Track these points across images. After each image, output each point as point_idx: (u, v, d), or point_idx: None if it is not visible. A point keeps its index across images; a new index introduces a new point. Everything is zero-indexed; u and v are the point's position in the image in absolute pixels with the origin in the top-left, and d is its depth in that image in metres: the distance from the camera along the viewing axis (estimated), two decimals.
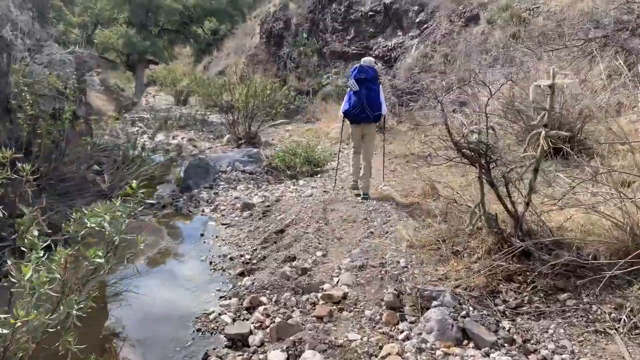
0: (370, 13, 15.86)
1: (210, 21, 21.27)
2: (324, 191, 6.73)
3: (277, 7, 19.37)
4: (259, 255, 5.16)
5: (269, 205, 6.64)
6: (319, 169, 7.86)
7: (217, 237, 5.98)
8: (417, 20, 13.91)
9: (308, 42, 17.40)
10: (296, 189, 7.02)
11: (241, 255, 5.31)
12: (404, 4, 14.66)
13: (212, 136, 13.13)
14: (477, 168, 3.95)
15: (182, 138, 12.73)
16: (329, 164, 8.50)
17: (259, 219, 6.34)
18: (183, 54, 33.50)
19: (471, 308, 3.51)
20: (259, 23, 20.85)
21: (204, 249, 5.66)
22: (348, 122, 6.36)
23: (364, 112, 5.90)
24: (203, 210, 6.94)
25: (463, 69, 10.49)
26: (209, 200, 7.25)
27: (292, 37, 18.27)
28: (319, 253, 4.82)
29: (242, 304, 4.15)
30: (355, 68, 6.00)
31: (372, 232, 5.07)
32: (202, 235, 6.09)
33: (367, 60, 6.23)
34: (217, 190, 7.62)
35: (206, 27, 28.22)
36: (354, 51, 16.24)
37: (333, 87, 15.68)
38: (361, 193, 6.22)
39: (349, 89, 6.07)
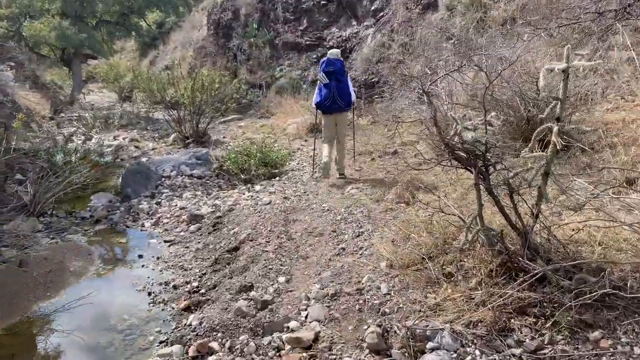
0: (322, 2, 14.98)
1: (153, 12, 19.68)
2: (285, 197, 5.83)
3: None
4: (209, 283, 4.23)
5: (220, 217, 5.68)
6: (277, 170, 6.94)
7: (158, 258, 4.98)
8: (373, 8, 13.17)
9: (259, 33, 16.34)
10: (252, 196, 6.07)
11: (187, 282, 4.36)
12: None
13: (157, 135, 11.91)
14: (473, 173, 3.18)
15: (124, 138, 11.47)
16: (288, 164, 7.59)
17: (209, 233, 5.38)
18: (127, 49, 31.50)
19: (478, 352, 2.73)
20: (207, 14, 19.54)
21: (142, 275, 4.65)
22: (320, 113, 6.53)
23: (335, 103, 6.05)
24: (143, 225, 5.90)
25: (426, 57, 9.82)
26: (150, 212, 6.20)
27: (242, 28, 17.14)
28: (281, 279, 3.93)
29: (187, 353, 3.23)
30: (324, 61, 6.09)
31: (343, 249, 4.23)
32: (140, 257, 5.06)
33: (333, 52, 6.29)
34: (159, 200, 6.56)
35: (151, 19, 26.50)
36: (307, 42, 15.34)
37: (287, 79, 14.74)
38: (338, 174, 6.43)
39: (318, 81, 6.16)
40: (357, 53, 13.47)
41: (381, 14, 12.80)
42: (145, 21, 19.02)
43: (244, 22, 17.20)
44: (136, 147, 10.44)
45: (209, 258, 4.76)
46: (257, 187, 6.32)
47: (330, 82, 6.01)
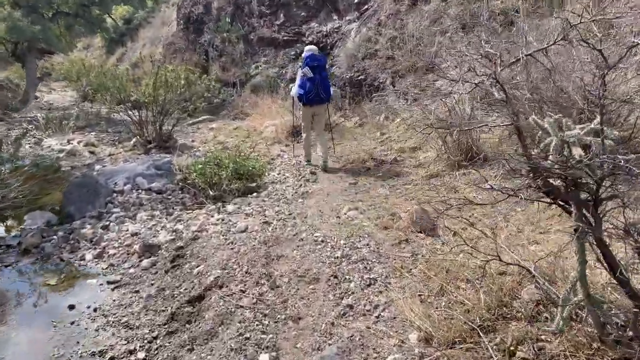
0: None
1: (119, 6, 17.95)
2: (265, 222, 4.49)
3: None
4: (161, 356, 2.91)
5: (181, 247, 4.34)
6: (254, 184, 5.60)
7: (96, 310, 3.61)
8: (356, 1, 11.94)
9: (232, 27, 14.91)
10: (223, 219, 4.71)
11: (130, 352, 3.03)
12: None
13: (117, 139, 10.39)
14: (575, 212, 1.95)
15: (79, 142, 9.92)
16: (267, 174, 6.28)
17: (166, 271, 4.02)
18: (94, 45, 29.55)
19: None
20: (176, 8, 17.99)
21: (70, 337, 3.28)
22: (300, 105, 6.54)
23: (318, 95, 6.20)
24: (83, 258, 4.49)
25: (421, 51, 8.66)
26: (94, 240, 4.79)
27: (214, 22, 15.67)
28: (264, 357, 2.65)
29: None
30: (308, 56, 6.19)
31: (350, 306, 2.96)
32: (71, 307, 3.67)
33: (313, 48, 6.45)
34: (107, 222, 5.15)
35: (118, 14, 24.75)
36: (284, 37, 14.01)
37: (263, 77, 13.38)
38: (321, 164, 6.44)
39: (302, 75, 6.19)
40: (339, 49, 12.22)
41: (365, 7, 11.58)
42: (109, 14, 17.26)
43: (217, 16, 15.74)
44: (91, 152, 8.92)
45: (163, 311, 3.43)
46: (230, 207, 4.96)
47: (315, 75, 6.14)
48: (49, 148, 9.40)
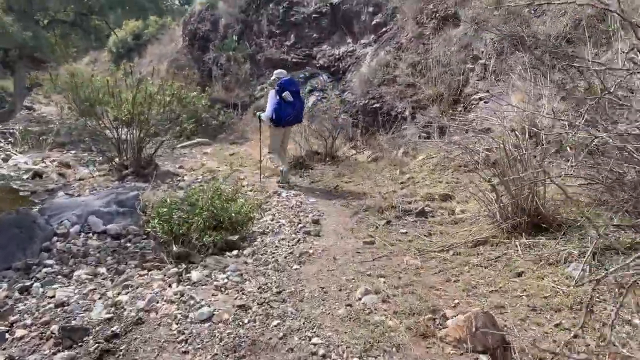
0: (314, 15, 12.51)
1: (115, 12, 16.81)
2: (240, 306, 2.98)
3: (204, 5, 15.55)
4: None
5: (116, 335, 2.86)
6: (237, 236, 4.12)
7: None
8: (373, 23, 10.71)
9: (239, 46, 13.73)
10: (182, 294, 3.21)
11: None
12: (356, 4, 11.44)
13: (100, 159, 9.02)
14: None
15: (53, 161, 8.57)
16: (260, 217, 4.83)
17: None
18: (101, 60, 28.74)
19: None
20: (182, 24, 16.92)
21: None
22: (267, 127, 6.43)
23: (296, 119, 6.24)
24: None
25: (447, 79, 7.33)
26: (4, 310, 3.33)
27: (220, 40, 14.51)
28: None
29: None
30: (286, 81, 6.11)
31: None
32: None
33: (283, 72, 6.43)
34: (32, 282, 3.70)
35: (128, 29, 24.00)
36: (294, 59, 12.77)
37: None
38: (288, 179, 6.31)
39: (278, 98, 6.03)
40: (352, 74, 10.93)
41: (384, 29, 10.34)
42: (107, 23, 16.12)
43: (223, 33, 14.59)
44: (60, 175, 7.52)
45: None
46: (196, 274, 3.41)
47: (295, 101, 6.14)
48: (14, 167, 8.03)
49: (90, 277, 3.71)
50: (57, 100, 21.29)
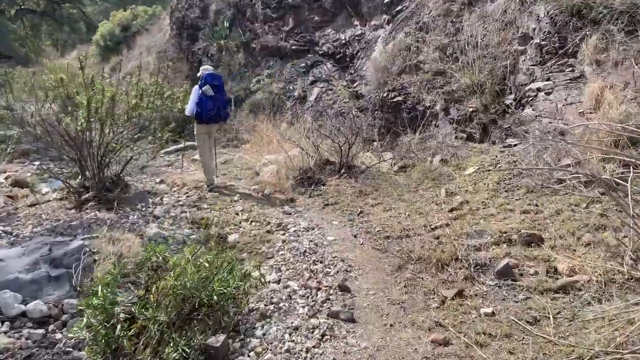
0: None
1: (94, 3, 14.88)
2: None
3: None
4: None
5: None
6: (221, 335, 2.44)
7: None
8: (386, 0, 8.92)
9: (231, 34, 11.92)
10: None
11: None
12: None
13: (70, 172, 7.31)
14: None
15: (7, 177, 6.86)
16: (257, 289, 3.15)
17: None
18: (91, 53, 26.85)
19: None
20: (169, 11, 15.08)
21: None
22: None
23: (218, 114, 5.91)
24: None
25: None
26: None
27: (210, 27, 12.69)
28: None
29: None
30: (208, 75, 5.83)
31: None
32: None
33: (209, 68, 6.15)
34: None
35: (115, 20, 22.21)
36: (293, 46, 10.99)
37: (265, 94, 10.34)
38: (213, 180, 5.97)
39: (200, 93, 5.74)
40: (363, 61, 9.17)
41: (399, 7, 8.56)
42: (82, 10, 14.20)
43: (214, 20, 12.76)
44: (10, 197, 5.82)
45: None
46: None
47: (216, 95, 5.82)
48: None
49: None
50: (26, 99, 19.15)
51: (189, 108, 5.93)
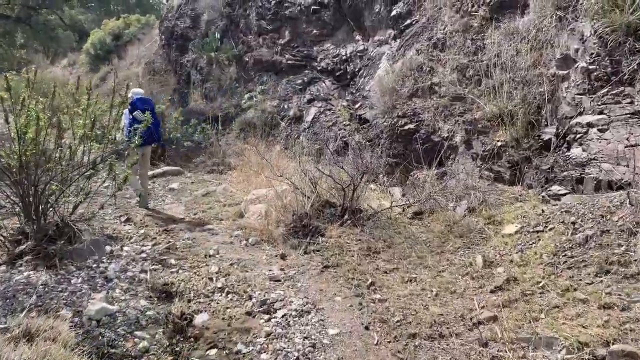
0: (314, 7, 9.66)
1: (73, 7, 13.73)
2: None
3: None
4: None
5: None
6: None
7: None
8: (392, 14, 7.89)
9: (222, 45, 10.84)
10: None
11: None
12: None
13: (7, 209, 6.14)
14: None
15: None
16: None
17: None
18: (80, 62, 25.71)
19: None
20: (159, 20, 14.00)
21: None
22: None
23: (151, 137, 5.76)
24: None
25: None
26: None
27: (201, 38, 11.61)
28: None
29: None
30: (138, 99, 5.73)
31: None
32: None
33: (139, 91, 6.04)
34: None
35: (107, 28, 21.17)
36: (289, 61, 9.92)
37: (258, 112, 9.23)
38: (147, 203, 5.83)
39: (131, 118, 5.58)
40: (366, 80, 8.11)
41: (407, 21, 7.53)
42: (62, 19, 13.05)
43: (205, 31, 11.68)
44: None
45: None
46: None
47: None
48: None
49: None
50: None
51: (124, 133, 5.74)
